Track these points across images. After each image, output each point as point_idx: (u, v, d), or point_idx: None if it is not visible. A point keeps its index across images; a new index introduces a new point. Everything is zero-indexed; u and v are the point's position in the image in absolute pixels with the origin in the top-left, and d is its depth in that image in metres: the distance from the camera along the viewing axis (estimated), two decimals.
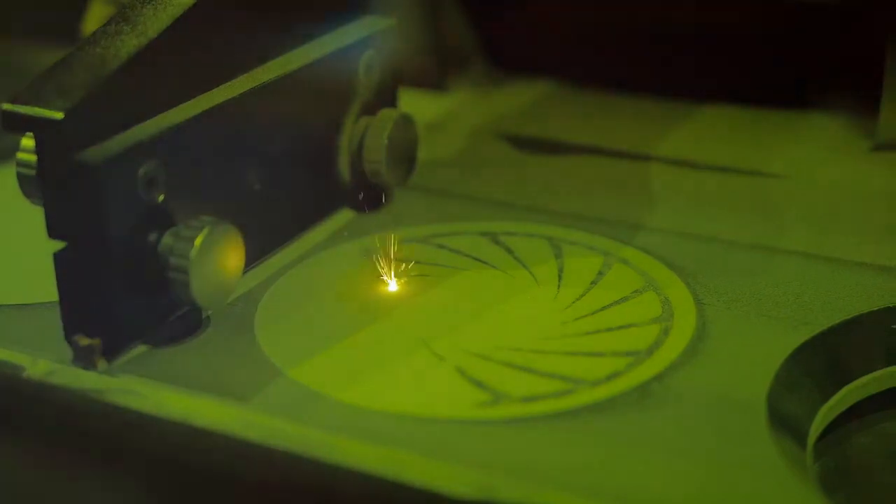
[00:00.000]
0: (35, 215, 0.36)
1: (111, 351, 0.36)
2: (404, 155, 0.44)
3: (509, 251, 0.42)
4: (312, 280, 0.41)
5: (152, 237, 0.36)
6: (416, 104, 0.49)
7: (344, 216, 0.44)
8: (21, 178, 0.37)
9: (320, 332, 0.38)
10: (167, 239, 0.36)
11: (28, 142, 0.37)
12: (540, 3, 0.56)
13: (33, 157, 0.35)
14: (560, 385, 0.35)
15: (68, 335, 0.35)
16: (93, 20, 0.54)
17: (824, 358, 0.36)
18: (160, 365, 0.36)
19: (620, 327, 0.38)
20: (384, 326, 0.38)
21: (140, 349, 0.36)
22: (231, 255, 0.37)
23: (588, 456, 0.32)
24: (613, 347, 0.37)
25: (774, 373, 0.35)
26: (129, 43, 0.36)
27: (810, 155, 0.49)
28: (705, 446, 0.32)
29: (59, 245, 0.35)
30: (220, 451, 0.33)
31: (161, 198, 0.36)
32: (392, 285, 0.40)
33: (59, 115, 0.33)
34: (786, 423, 0.34)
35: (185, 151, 0.37)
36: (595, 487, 0.31)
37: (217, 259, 0.36)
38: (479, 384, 0.35)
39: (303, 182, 0.42)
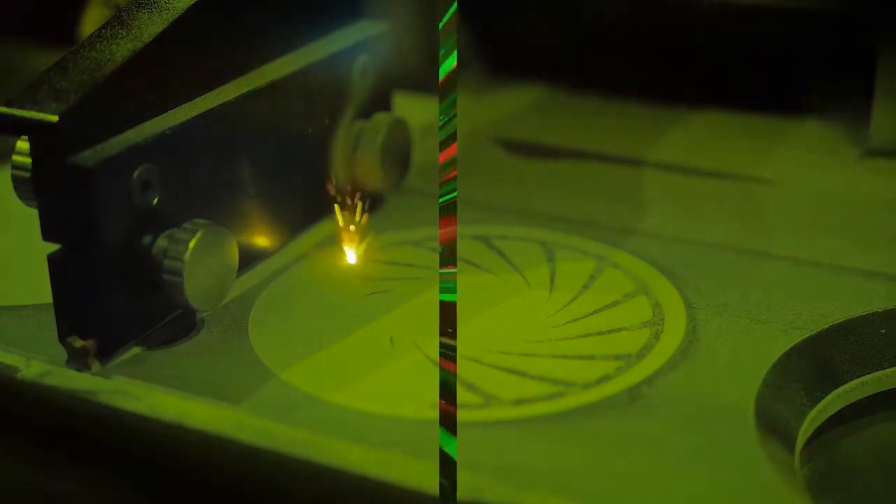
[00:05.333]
0: (29, 217, 0.36)
1: (105, 352, 0.36)
2: (398, 159, 0.45)
3: (502, 255, 0.42)
4: (305, 283, 0.41)
5: (146, 240, 0.36)
6: (410, 108, 0.49)
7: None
8: (16, 181, 0.37)
9: (313, 334, 0.38)
10: (161, 241, 0.36)
11: (23, 144, 0.37)
12: (534, 9, 0.56)
13: (28, 160, 0.36)
14: (550, 388, 0.35)
15: (62, 337, 0.36)
16: (90, 23, 0.54)
17: (813, 362, 0.36)
18: (154, 366, 0.36)
19: (611, 331, 0.38)
20: (376, 329, 0.38)
21: (134, 351, 0.37)
22: (225, 258, 0.37)
23: (577, 458, 0.32)
24: (604, 351, 0.37)
25: (763, 377, 0.35)
26: (125, 47, 0.36)
27: (801, 161, 0.49)
28: (694, 450, 0.32)
29: (53, 247, 0.35)
30: (213, 453, 0.33)
31: (155, 201, 0.36)
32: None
33: (54, 119, 0.33)
34: (774, 428, 0.34)
35: (180, 154, 0.37)
36: (584, 490, 0.31)
37: (211, 262, 0.36)
38: (471, 387, 0.35)
39: (297, 185, 0.42)
